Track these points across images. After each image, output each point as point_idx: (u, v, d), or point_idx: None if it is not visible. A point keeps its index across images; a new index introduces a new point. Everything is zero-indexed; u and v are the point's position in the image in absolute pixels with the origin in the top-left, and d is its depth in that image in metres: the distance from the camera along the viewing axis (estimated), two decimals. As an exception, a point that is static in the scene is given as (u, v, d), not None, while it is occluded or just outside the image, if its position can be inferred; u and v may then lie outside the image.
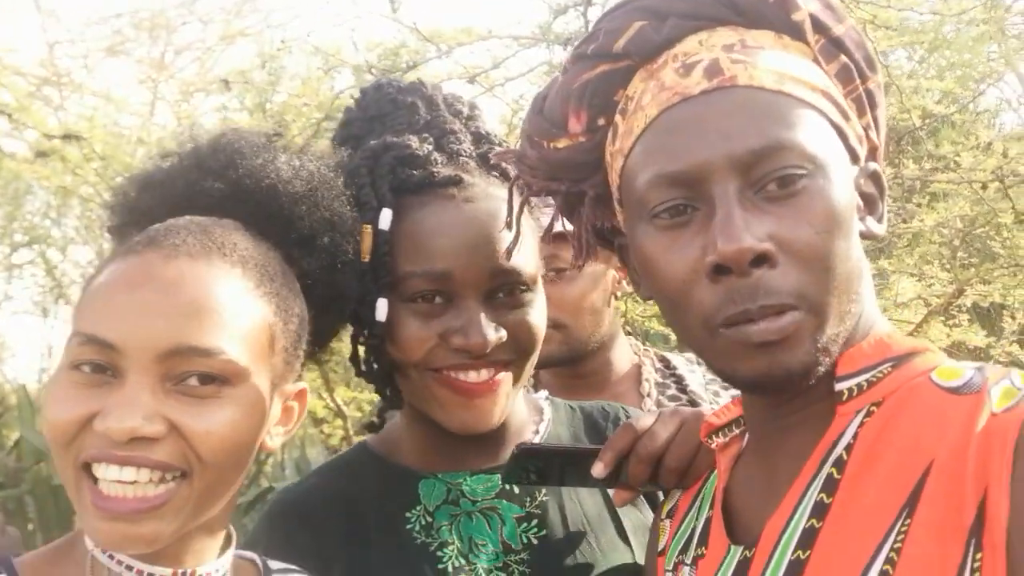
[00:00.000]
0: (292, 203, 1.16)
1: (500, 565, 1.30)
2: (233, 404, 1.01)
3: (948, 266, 5.17)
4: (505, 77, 4.54)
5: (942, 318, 4.94)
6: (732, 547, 1.01)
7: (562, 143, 1.09)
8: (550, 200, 1.20)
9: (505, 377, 1.31)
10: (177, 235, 1.05)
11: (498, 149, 1.32)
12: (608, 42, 1.02)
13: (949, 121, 5.10)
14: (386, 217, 1.27)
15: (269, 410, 1.08)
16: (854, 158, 0.99)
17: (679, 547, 1.14)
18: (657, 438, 1.22)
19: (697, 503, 1.17)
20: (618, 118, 1.04)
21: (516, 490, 1.35)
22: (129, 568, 1.05)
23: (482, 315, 1.27)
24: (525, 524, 1.34)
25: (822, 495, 0.92)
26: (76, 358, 0.99)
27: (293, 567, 1.23)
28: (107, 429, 0.95)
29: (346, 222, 1.22)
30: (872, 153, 1.03)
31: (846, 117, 0.98)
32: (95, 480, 0.97)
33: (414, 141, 1.32)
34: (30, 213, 10.73)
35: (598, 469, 1.22)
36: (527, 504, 1.35)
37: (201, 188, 1.13)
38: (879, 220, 1.02)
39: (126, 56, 8.95)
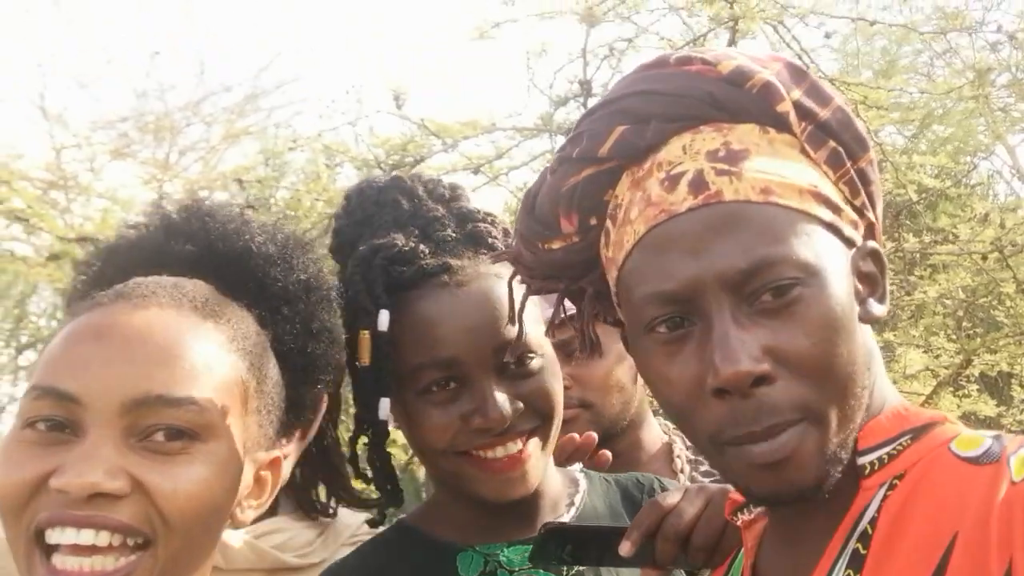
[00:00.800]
0: (266, 264, 1.14)
1: None
2: (202, 461, 0.94)
3: (954, 336, 5.19)
4: (509, 166, 4.64)
5: (951, 388, 4.95)
6: None
7: (556, 244, 1.09)
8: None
9: (533, 445, 1.33)
10: (147, 287, 1.00)
11: (494, 251, 1.33)
12: (592, 147, 1.02)
13: (945, 195, 5.19)
14: (384, 319, 1.30)
15: (241, 475, 1.01)
16: (849, 245, 0.98)
17: None
18: (684, 516, 1.22)
19: None
20: (608, 223, 1.03)
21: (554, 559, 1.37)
22: None
23: (496, 392, 1.29)
24: None
25: (849, 571, 0.91)
26: (31, 414, 0.92)
27: None
28: (65, 484, 0.87)
29: (322, 287, 1.21)
30: (869, 230, 1.03)
31: (837, 211, 0.97)
32: (48, 553, 0.88)
33: (400, 239, 1.36)
34: (35, 315, 10.78)
35: (625, 548, 1.22)
36: (564, 572, 1.36)
37: (170, 250, 1.10)
38: (880, 300, 1.00)
39: (132, 158, 9.10)
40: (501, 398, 1.29)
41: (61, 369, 0.92)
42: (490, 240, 1.36)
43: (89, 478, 0.86)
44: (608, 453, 1.65)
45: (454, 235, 1.38)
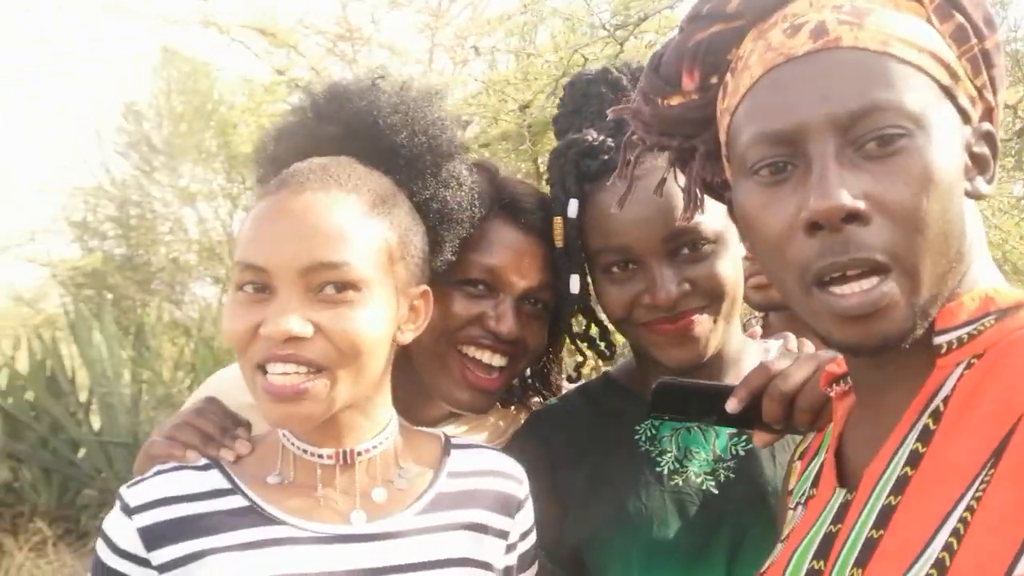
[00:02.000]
0: (393, 134, 1.33)
1: (709, 471, 1.49)
2: (362, 306, 1.18)
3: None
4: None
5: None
6: (837, 489, 1.04)
7: (675, 100, 1.12)
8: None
9: (701, 318, 1.48)
10: (301, 174, 1.23)
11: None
12: (722, 2, 1.05)
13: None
14: (573, 207, 1.51)
15: (396, 310, 1.25)
16: (965, 119, 0.98)
17: (803, 488, 1.18)
18: (790, 379, 1.28)
19: (821, 448, 1.20)
20: (728, 77, 1.05)
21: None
22: (304, 451, 1.26)
23: (665, 273, 1.45)
24: (736, 439, 1.52)
25: (917, 444, 0.93)
26: (239, 281, 1.19)
27: (478, 443, 1.43)
28: (268, 332, 1.15)
29: (442, 145, 1.38)
30: (987, 114, 1.02)
31: (955, 78, 0.96)
32: (266, 375, 1.17)
33: (591, 134, 1.53)
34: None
35: (731, 405, 1.28)
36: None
37: (320, 133, 1.33)
38: (989, 181, 1.00)
39: (407, 7, 9.55)
40: (668, 280, 1.44)
41: (252, 249, 1.19)
42: None
43: (284, 327, 1.14)
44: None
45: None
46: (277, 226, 1.19)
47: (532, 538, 1.40)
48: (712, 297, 1.48)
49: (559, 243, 1.53)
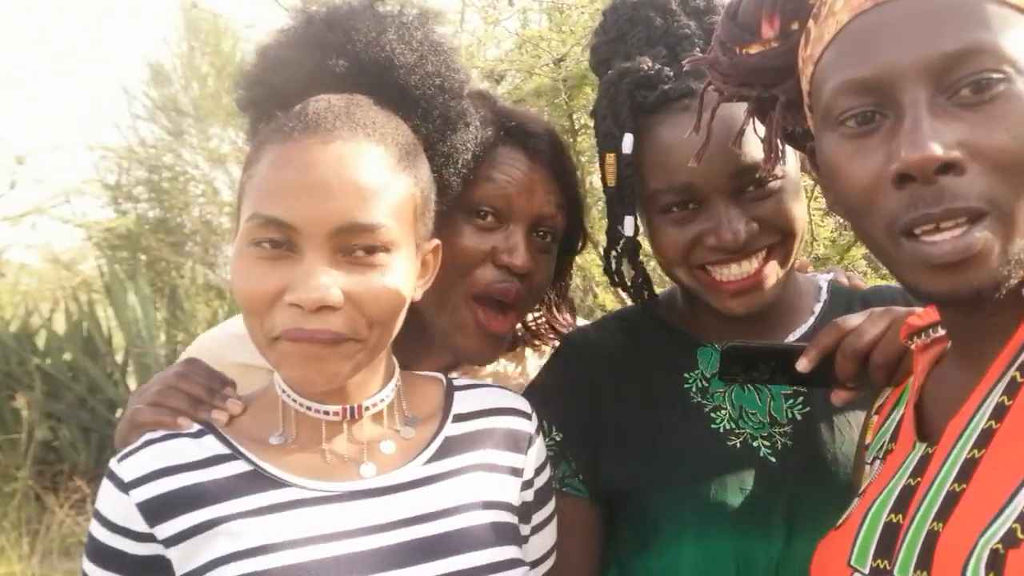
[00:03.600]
0: (407, 74, 1.25)
1: (766, 435, 1.41)
2: (392, 270, 1.13)
3: None
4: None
5: None
6: (917, 443, 1.02)
7: (754, 48, 1.09)
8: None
9: (771, 265, 1.39)
10: (327, 120, 1.13)
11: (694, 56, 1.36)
12: None
13: None
14: (628, 142, 1.39)
15: (417, 268, 1.22)
16: None
17: (880, 442, 1.17)
18: (863, 335, 1.23)
19: (899, 402, 1.18)
20: (811, 23, 1.02)
21: None
22: (308, 408, 1.20)
23: (731, 212, 1.35)
24: (792, 400, 1.45)
25: (1003, 397, 0.91)
26: (257, 236, 1.10)
27: (481, 381, 1.37)
28: (299, 299, 1.07)
29: (455, 85, 1.31)
30: None
31: None
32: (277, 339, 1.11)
33: (645, 63, 1.41)
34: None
35: (803, 364, 1.25)
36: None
37: (327, 67, 1.22)
38: None
39: (437, -34, 9.42)
40: (736, 219, 1.35)
41: (277, 201, 1.09)
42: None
43: (316, 293, 1.07)
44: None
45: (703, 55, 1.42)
46: (306, 179, 1.09)
47: (547, 473, 1.36)
48: (781, 233, 1.39)
49: (611, 181, 1.41)
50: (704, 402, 1.44)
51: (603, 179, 1.44)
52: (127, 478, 1.15)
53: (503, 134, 1.52)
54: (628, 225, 1.43)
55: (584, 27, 3.70)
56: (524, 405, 1.35)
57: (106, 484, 1.17)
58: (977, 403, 0.94)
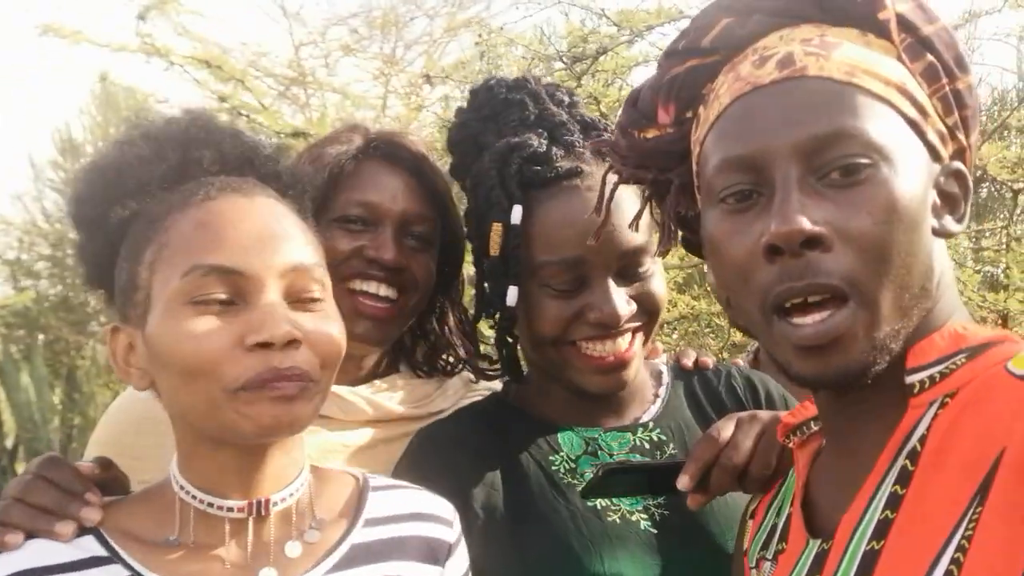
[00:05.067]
0: (273, 160, 1.22)
1: (641, 508, 1.39)
2: (332, 313, 1.11)
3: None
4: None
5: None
6: (810, 540, 1.02)
7: (651, 133, 1.13)
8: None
9: (638, 343, 1.42)
10: (235, 183, 1.13)
11: (595, 138, 1.39)
12: (697, 38, 1.06)
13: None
14: (517, 213, 1.39)
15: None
16: (935, 156, 0.97)
17: (759, 544, 1.16)
18: (741, 449, 1.24)
19: (777, 502, 1.18)
20: (701, 109, 1.06)
21: (647, 446, 1.45)
22: (209, 504, 1.09)
23: (615, 291, 1.38)
24: None
25: (896, 487, 0.92)
26: (199, 291, 1.04)
27: (400, 483, 1.27)
28: (270, 335, 1.02)
29: (300, 171, 1.28)
30: (960, 154, 1.01)
31: (924, 114, 0.97)
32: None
33: (535, 140, 1.43)
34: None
35: (683, 482, 1.25)
36: (658, 458, 1.44)
37: (193, 157, 1.17)
38: (959, 220, 0.99)
39: (362, 53, 9.54)
40: (620, 298, 1.38)
41: (218, 250, 1.05)
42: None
43: (285, 327, 1.02)
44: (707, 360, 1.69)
45: (581, 143, 1.45)
46: (246, 226, 1.07)
47: None
48: (648, 316, 1.43)
49: (495, 251, 1.42)
50: (574, 482, 1.42)
51: (483, 249, 1.44)
52: None
53: (371, 150, 1.61)
54: (512, 295, 1.42)
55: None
56: (446, 511, 1.24)
57: None
58: (869, 494, 0.94)
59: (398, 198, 1.58)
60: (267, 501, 1.11)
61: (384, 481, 1.25)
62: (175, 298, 1.05)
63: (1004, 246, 3.90)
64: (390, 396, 1.66)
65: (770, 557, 1.12)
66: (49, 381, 7.29)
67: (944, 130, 0.99)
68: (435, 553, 1.19)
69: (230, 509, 1.10)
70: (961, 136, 1.01)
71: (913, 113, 0.96)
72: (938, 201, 0.97)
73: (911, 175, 0.93)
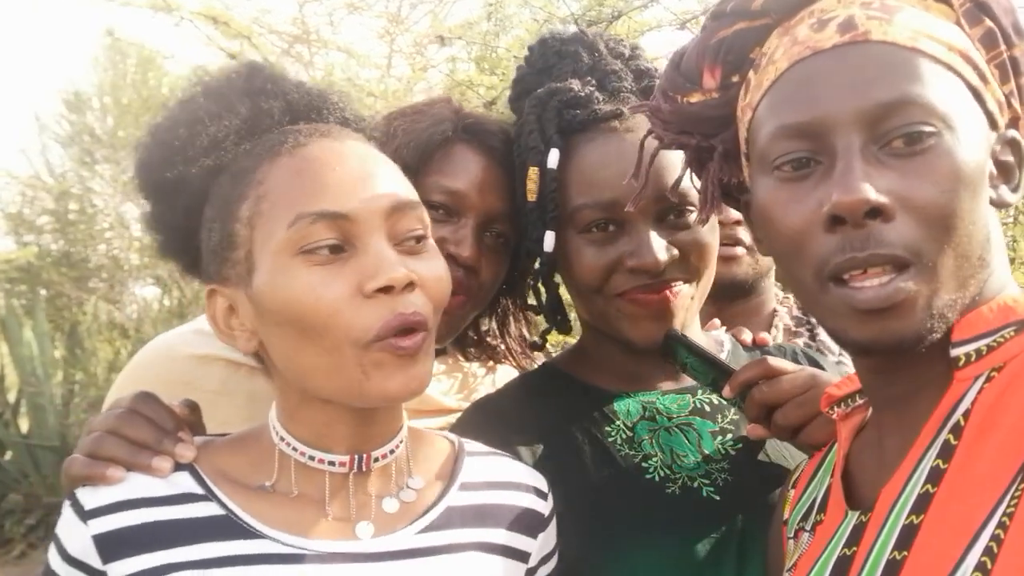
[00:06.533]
0: (341, 103, 1.19)
1: (703, 473, 1.36)
2: (437, 254, 1.10)
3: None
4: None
5: None
6: (849, 512, 1.01)
7: (695, 98, 1.11)
8: None
9: (683, 288, 1.38)
10: (320, 128, 1.10)
11: (647, 85, 1.37)
12: (747, 0, 1.03)
13: None
14: (554, 157, 1.38)
15: None
16: (992, 124, 0.96)
17: (799, 515, 1.15)
18: (775, 389, 1.25)
19: (819, 473, 1.17)
20: (751, 74, 1.04)
21: (707, 408, 1.43)
22: (311, 458, 1.09)
23: (653, 236, 1.33)
24: (721, 437, 1.41)
25: (938, 461, 0.91)
26: (307, 240, 1.01)
27: (496, 451, 1.24)
28: (390, 279, 1.00)
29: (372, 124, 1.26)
30: (1014, 122, 0.99)
31: (984, 80, 0.95)
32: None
33: (576, 84, 1.42)
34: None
35: (725, 391, 1.30)
36: (719, 420, 1.42)
37: (263, 109, 1.14)
38: (1014, 190, 0.98)
39: (367, 11, 9.42)
40: (658, 243, 1.33)
41: (320, 196, 1.02)
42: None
43: (400, 271, 1.01)
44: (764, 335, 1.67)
45: (629, 88, 1.44)
46: (345, 169, 1.04)
47: (553, 563, 1.24)
48: (694, 270, 1.39)
49: (532, 196, 1.40)
50: (632, 453, 1.38)
51: (523, 195, 1.43)
52: (88, 505, 1.04)
53: (460, 131, 1.51)
54: (548, 241, 1.39)
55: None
56: (541, 483, 1.23)
57: (67, 510, 1.06)
58: (911, 468, 0.93)
59: (486, 191, 1.49)
60: (368, 456, 1.11)
61: (479, 447, 1.24)
62: (283, 250, 1.02)
63: (1012, 219, 3.89)
64: (436, 386, 1.60)
65: (808, 528, 1.11)
66: (51, 336, 7.27)
67: (1002, 98, 0.97)
68: (530, 524, 1.18)
69: (332, 463, 1.09)
70: (1017, 104, 0.99)
71: (975, 80, 0.94)
72: (994, 171, 0.96)
73: (973, 144, 0.91)
